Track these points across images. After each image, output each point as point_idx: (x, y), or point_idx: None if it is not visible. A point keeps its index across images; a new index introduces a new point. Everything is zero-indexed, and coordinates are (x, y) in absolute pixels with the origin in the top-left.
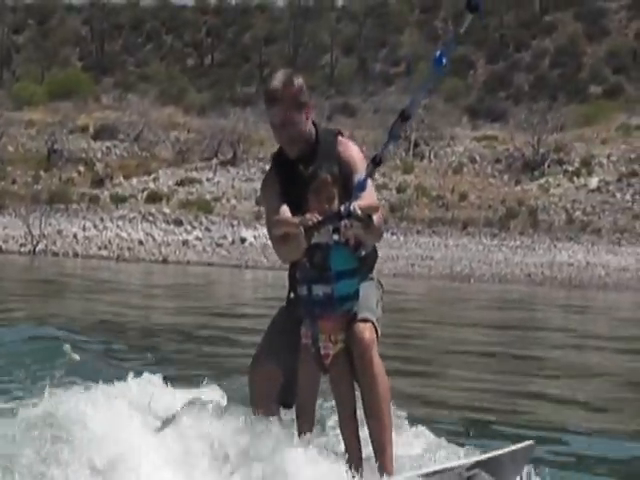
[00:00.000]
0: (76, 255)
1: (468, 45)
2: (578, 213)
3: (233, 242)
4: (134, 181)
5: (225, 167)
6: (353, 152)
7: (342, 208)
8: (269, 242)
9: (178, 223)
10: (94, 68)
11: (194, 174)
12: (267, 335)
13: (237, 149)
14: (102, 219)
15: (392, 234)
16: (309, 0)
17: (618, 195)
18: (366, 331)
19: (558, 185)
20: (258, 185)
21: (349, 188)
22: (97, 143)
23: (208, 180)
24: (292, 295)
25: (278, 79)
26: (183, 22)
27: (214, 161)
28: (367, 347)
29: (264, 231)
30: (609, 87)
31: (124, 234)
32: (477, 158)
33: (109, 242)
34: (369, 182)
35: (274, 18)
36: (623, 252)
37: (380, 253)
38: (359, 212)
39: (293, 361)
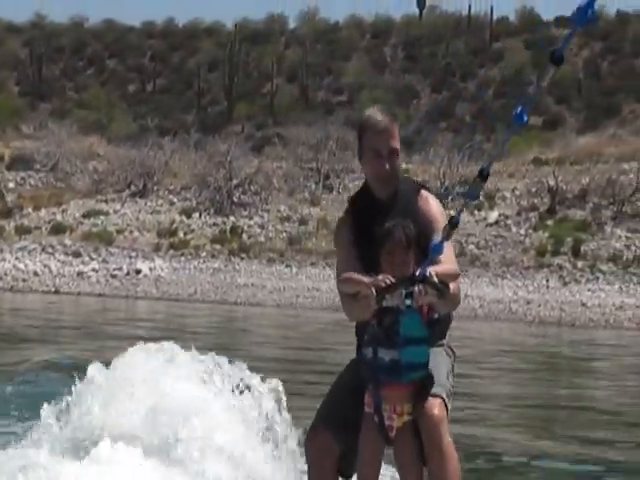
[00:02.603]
0: None
1: (415, 74)
2: (472, 247)
3: (128, 273)
4: (42, 212)
5: (134, 199)
6: (433, 208)
7: (417, 272)
8: (163, 274)
9: (77, 255)
10: (31, 93)
11: (103, 205)
12: (329, 398)
13: (147, 181)
14: (1, 250)
15: (286, 266)
16: (259, 23)
17: (514, 229)
18: (435, 407)
19: None
20: (164, 217)
21: (427, 247)
22: (12, 173)
23: (115, 212)
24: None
25: (382, 112)
26: (127, 45)
27: (126, 192)
28: (436, 425)
29: (160, 262)
30: (550, 118)
31: (21, 265)
32: None
33: (5, 273)
34: (449, 245)
35: (221, 43)
36: (504, 285)
37: (268, 284)
38: (435, 279)
39: (355, 429)
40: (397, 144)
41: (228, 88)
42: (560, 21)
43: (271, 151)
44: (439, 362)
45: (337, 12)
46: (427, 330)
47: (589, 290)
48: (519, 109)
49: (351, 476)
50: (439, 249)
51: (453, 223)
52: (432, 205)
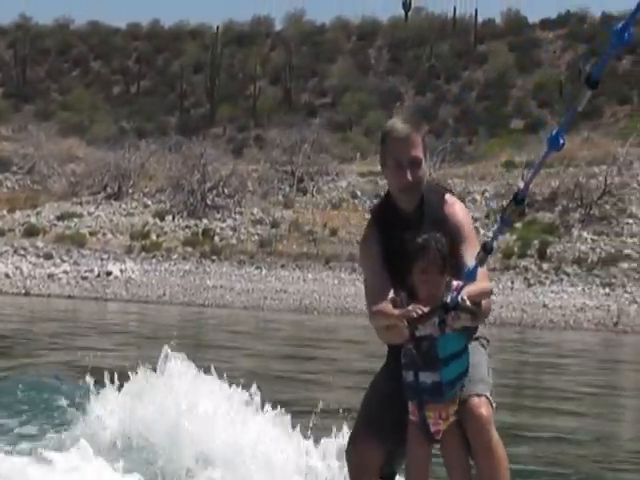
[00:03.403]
0: None
1: (399, 76)
2: None
3: (99, 275)
4: (17, 214)
5: (109, 201)
6: (460, 215)
7: (449, 299)
8: (134, 275)
9: (48, 257)
10: (15, 95)
11: (77, 208)
12: (366, 405)
13: (122, 183)
14: None
15: (256, 268)
16: (245, 25)
17: (482, 231)
18: (482, 407)
19: None
20: (137, 219)
21: (454, 257)
22: None
23: (89, 214)
24: (390, 359)
25: (404, 121)
26: (113, 47)
27: (101, 195)
28: (484, 425)
29: (131, 264)
30: (532, 121)
31: None
32: (358, 193)
33: None
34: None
35: (206, 45)
36: None
37: (237, 286)
38: (468, 303)
39: (396, 435)
40: (419, 153)
41: (210, 90)
42: (545, 24)
43: (251, 154)
44: (479, 360)
45: (324, 14)
46: (465, 337)
47: (552, 292)
48: (554, 132)
49: (393, 478)
50: (472, 276)
51: (488, 249)
52: (459, 212)
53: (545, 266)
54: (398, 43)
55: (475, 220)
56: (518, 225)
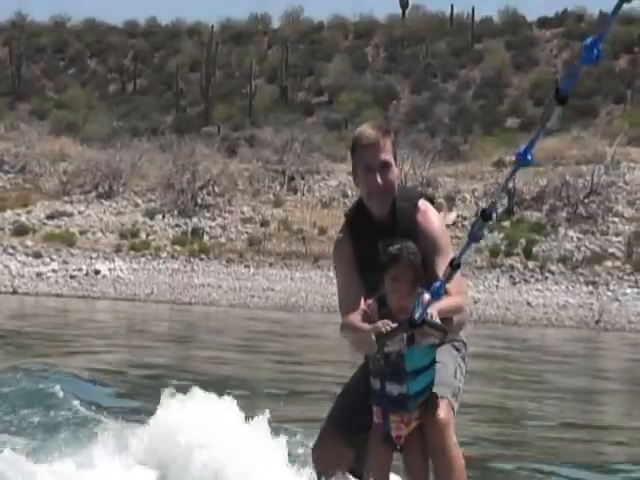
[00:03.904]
0: None
1: (395, 74)
2: None
3: (87, 274)
4: (8, 213)
5: (100, 200)
6: (434, 225)
7: (417, 315)
8: (122, 274)
9: (37, 256)
10: (10, 93)
11: (68, 207)
12: (337, 404)
13: (113, 182)
14: None
15: (245, 266)
16: (242, 23)
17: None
18: (441, 410)
19: None
20: (127, 219)
21: (426, 267)
22: None
23: (80, 213)
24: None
25: (373, 126)
26: (109, 45)
27: (92, 194)
28: (442, 428)
29: (120, 263)
30: (527, 120)
31: None
32: (349, 192)
33: None
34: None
35: (203, 43)
36: None
37: (224, 284)
38: (436, 319)
39: (365, 434)
40: (389, 157)
41: (205, 89)
42: (542, 22)
43: (244, 152)
44: (446, 362)
45: (322, 12)
46: (434, 351)
47: (537, 290)
48: (523, 148)
49: (363, 477)
50: (439, 292)
51: (454, 265)
52: (432, 222)
53: (531, 264)
54: (395, 41)
55: (464, 219)
56: (506, 224)
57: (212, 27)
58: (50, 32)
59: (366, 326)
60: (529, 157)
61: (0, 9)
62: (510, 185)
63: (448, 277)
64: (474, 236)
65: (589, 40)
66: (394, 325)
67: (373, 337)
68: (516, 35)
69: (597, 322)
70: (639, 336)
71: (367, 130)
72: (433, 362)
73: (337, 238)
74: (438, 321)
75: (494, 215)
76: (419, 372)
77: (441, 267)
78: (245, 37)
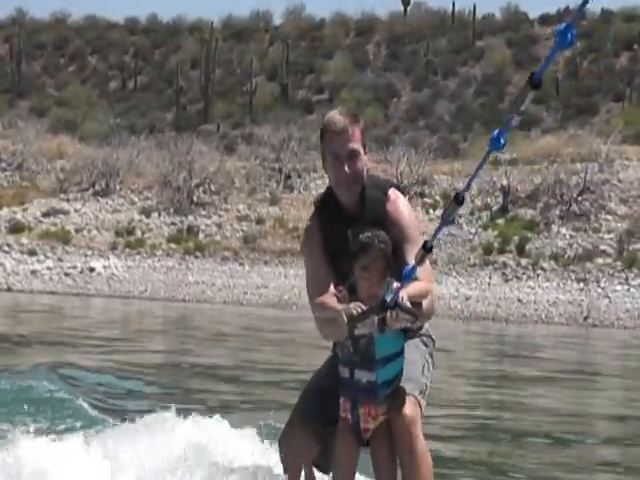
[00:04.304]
0: None
1: (396, 72)
2: None
3: (82, 271)
4: (4, 211)
5: (96, 198)
6: (404, 214)
7: (388, 299)
8: (117, 272)
9: (32, 253)
10: (10, 90)
11: (64, 205)
12: (305, 395)
13: (110, 180)
14: None
15: (239, 264)
16: (243, 20)
17: (466, 228)
18: (408, 407)
19: None
20: (123, 216)
21: (396, 256)
22: None
23: (76, 211)
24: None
25: (341, 113)
26: (110, 42)
27: (89, 191)
28: (409, 425)
29: (115, 261)
30: (528, 118)
31: None
32: None
33: None
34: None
35: (204, 40)
36: (448, 282)
37: (218, 282)
38: (407, 304)
39: (333, 427)
40: (357, 145)
41: (205, 86)
42: (544, 19)
43: (242, 150)
44: (414, 358)
45: (323, 9)
46: (403, 339)
47: (528, 287)
48: (496, 133)
49: (329, 472)
50: (411, 275)
51: (427, 248)
52: (402, 210)
53: (523, 262)
54: (396, 39)
55: (460, 216)
56: (500, 221)
57: (212, 24)
58: (50, 29)
59: (338, 306)
60: (502, 141)
61: (0, 6)
62: (482, 171)
63: (421, 259)
64: (447, 220)
65: (563, 25)
66: (365, 307)
67: (344, 317)
68: (517, 32)
69: (585, 318)
70: (626, 332)
71: (336, 117)
72: (402, 350)
73: (306, 226)
74: (409, 304)
75: (466, 198)
76: (389, 360)
77: (411, 256)
78: (246, 34)
